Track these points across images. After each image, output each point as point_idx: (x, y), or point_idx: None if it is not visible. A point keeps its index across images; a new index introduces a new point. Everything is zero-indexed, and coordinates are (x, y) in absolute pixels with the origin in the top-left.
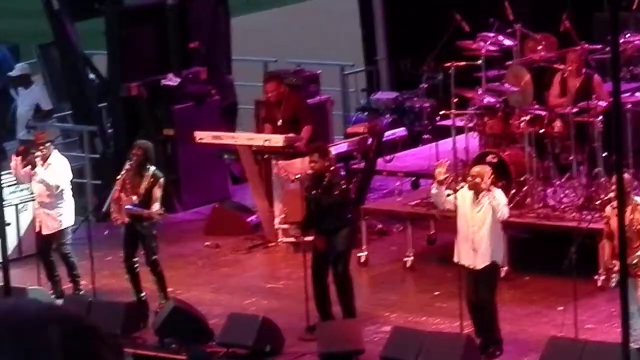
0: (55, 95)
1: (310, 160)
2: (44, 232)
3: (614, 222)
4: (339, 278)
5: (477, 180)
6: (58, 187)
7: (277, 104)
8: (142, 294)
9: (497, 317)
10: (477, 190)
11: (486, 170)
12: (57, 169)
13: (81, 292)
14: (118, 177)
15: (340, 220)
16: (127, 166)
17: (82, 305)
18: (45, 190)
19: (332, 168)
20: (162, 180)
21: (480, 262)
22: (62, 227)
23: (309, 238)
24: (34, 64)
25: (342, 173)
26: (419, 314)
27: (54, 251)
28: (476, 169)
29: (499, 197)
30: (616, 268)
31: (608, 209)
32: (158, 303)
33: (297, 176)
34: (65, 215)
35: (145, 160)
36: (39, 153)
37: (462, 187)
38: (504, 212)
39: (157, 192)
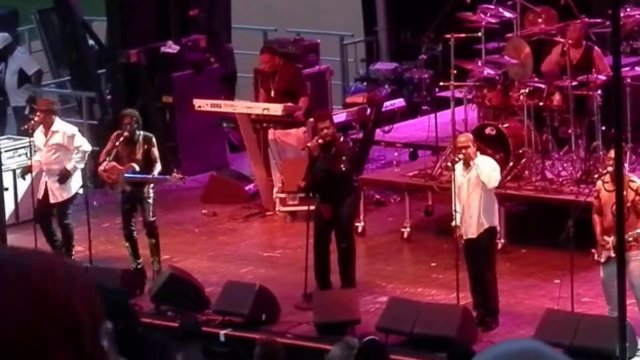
0: (54, 60)
1: (323, 127)
2: (51, 200)
3: (604, 197)
4: (344, 246)
5: (466, 149)
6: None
7: (272, 74)
8: (139, 261)
9: (496, 286)
10: (466, 159)
11: (470, 138)
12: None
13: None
14: (117, 143)
15: (347, 189)
16: (124, 136)
17: None
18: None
19: (337, 136)
20: (153, 139)
21: (475, 230)
22: (69, 196)
23: (310, 207)
24: (32, 30)
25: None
26: (415, 285)
27: (54, 218)
28: (462, 139)
29: (483, 164)
30: (608, 245)
31: (599, 183)
32: (153, 268)
33: (307, 145)
34: (74, 183)
35: (137, 128)
36: (36, 118)
37: (458, 160)
38: (492, 176)
39: (155, 152)
